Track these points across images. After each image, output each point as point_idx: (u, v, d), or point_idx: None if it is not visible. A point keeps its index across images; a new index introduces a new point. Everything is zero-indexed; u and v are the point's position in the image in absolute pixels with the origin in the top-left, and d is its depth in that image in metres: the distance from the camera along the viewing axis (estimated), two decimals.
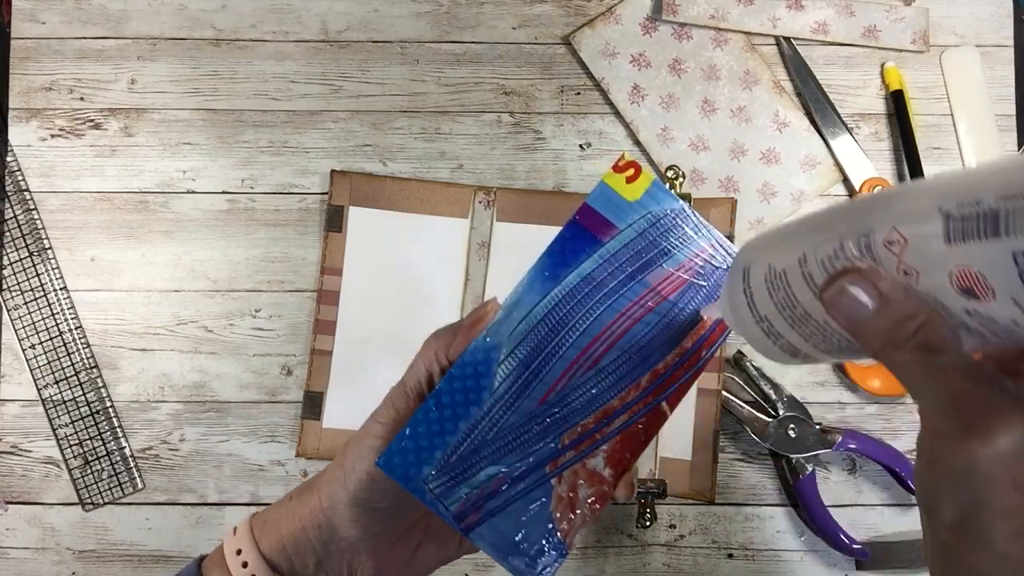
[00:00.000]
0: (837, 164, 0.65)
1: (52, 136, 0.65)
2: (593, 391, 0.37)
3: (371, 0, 0.67)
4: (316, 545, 0.37)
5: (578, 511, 0.36)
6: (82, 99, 0.66)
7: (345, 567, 0.37)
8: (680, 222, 0.38)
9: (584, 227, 0.37)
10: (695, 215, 0.38)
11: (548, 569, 0.36)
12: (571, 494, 0.36)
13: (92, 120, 0.66)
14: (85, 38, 0.66)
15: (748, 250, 0.31)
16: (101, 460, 0.63)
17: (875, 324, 0.25)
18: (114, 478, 0.63)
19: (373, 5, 0.67)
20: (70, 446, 0.63)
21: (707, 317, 0.37)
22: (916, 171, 0.63)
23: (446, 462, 0.35)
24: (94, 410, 0.63)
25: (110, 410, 0.63)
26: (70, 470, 0.62)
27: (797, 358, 0.30)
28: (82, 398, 0.63)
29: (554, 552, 0.36)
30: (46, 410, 0.63)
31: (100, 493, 0.62)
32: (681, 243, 0.38)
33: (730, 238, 0.62)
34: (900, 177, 0.65)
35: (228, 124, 0.66)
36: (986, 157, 0.65)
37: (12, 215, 0.64)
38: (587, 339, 0.37)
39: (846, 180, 0.65)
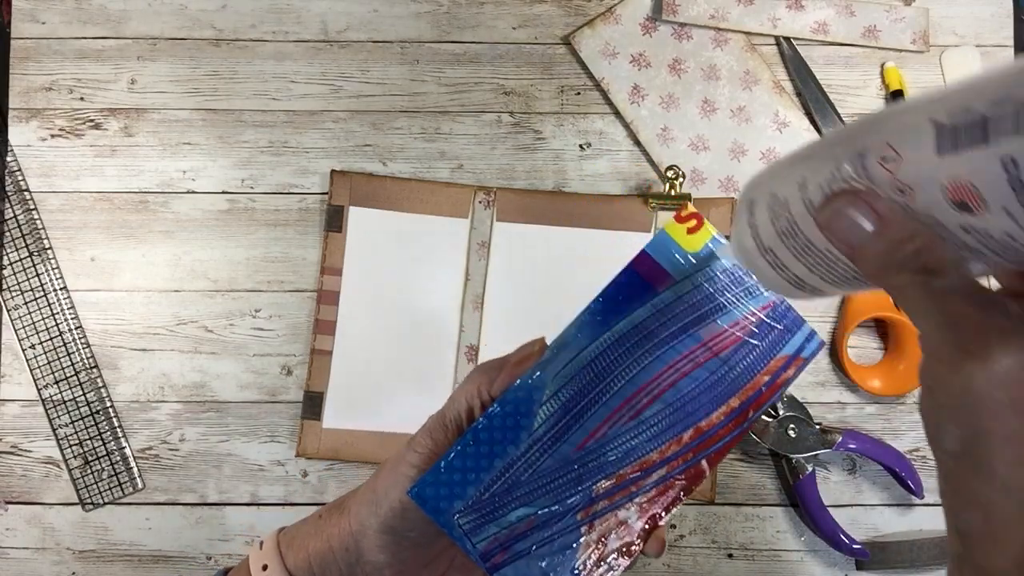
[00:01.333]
0: None
1: (52, 136, 0.65)
2: (633, 442, 0.36)
3: (371, 0, 0.67)
4: (342, 566, 0.37)
5: (605, 562, 0.35)
6: (82, 99, 0.66)
7: None
8: (740, 278, 0.37)
9: (639, 275, 0.36)
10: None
11: None
12: (600, 545, 0.36)
13: (92, 120, 0.66)
14: (85, 38, 0.66)
15: (753, 182, 0.30)
16: (101, 460, 0.63)
17: (873, 247, 0.24)
18: (114, 478, 0.62)
19: (373, 5, 0.67)
20: (70, 446, 0.63)
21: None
22: None
23: (478, 499, 0.35)
24: (94, 410, 0.63)
25: (110, 410, 0.63)
26: (70, 470, 0.62)
27: (804, 291, 0.29)
28: (82, 398, 0.63)
29: None
30: (46, 410, 0.63)
31: (100, 493, 0.62)
32: (738, 300, 0.37)
33: (729, 238, 0.62)
34: None
35: (228, 124, 0.66)
36: None
37: (12, 215, 0.64)
38: (632, 388, 0.36)
39: None
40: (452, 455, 0.35)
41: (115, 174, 0.65)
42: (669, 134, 0.65)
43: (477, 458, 0.35)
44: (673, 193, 0.62)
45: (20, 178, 0.65)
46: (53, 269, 0.64)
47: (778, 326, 0.37)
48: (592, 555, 0.35)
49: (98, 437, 0.63)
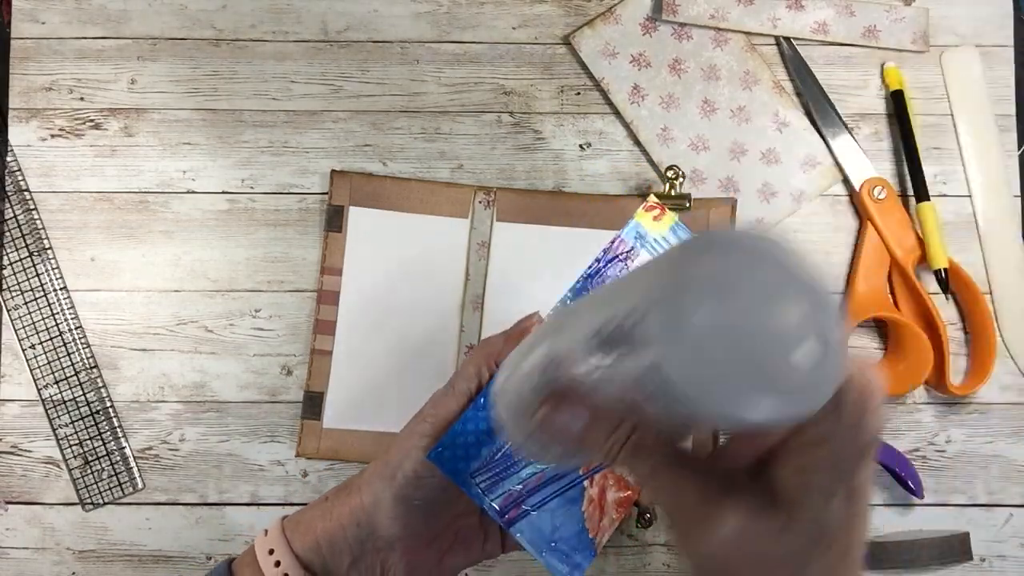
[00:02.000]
0: (837, 164, 0.65)
1: (52, 136, 0.65)
2: None
3: (371, 0, 0.67)
4: (352, 543, 0.37)
5: (606, 513, 0.39)
6: (82, 99, 0.66)
7: (378, 566, 0.38)
8: None
9: (616, 255, 0.41)
10: None
11: (581, 566, 0.39)
12: (600, 497, 0.39)
13: (92, 120, 0.66)
14: (85, 38, 0.66)
15: (498, 378, 0.34)
16: (101, 460, 0.63)
17: (588, 440, 0.26)
18: (114, 478, 0.63)
19: (373, 5, 0.67)
20: (70, 446, 0.63)
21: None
22: (916, 171, 0.63)
23: (491, 459, 0.38)
24: (94, 410, 0.63)
25: (110, 410, 0.63)
26: (70, 470, 0.62)
27: (577, 466, 0.33)
28: (82, 398, 0.63)
29: (586, 551, 0.39)
30: (46, 410, 0.63)
31: (100, 493, 0.62)
32: None
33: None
34: (900, 177, 0.65)
35: (228, 124, 0.66)
36: (986, 157, 0.65)
37: (12, 215, 0.64)
38: None
39: (846, 180, 0.65)
40: (466, 419, 0.38)
41: (115, 174, 0.65)
42: (669, 134, 0.65)
43: (488, 421, 0.38)
44: (673, 193, 0.62)
45: (20, 178, 0.65)
46: (53, 269, 0.64)
47: None
48: (595, 507, 0.39)
49: (98, 437, 0.63)
